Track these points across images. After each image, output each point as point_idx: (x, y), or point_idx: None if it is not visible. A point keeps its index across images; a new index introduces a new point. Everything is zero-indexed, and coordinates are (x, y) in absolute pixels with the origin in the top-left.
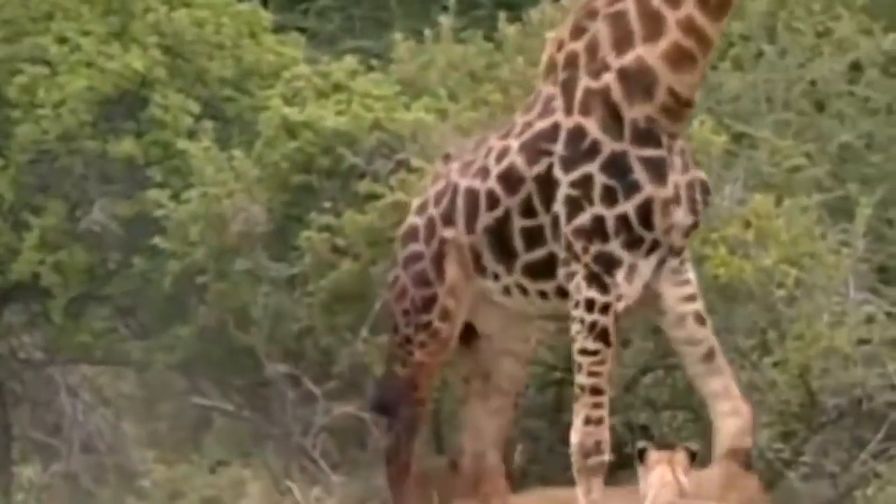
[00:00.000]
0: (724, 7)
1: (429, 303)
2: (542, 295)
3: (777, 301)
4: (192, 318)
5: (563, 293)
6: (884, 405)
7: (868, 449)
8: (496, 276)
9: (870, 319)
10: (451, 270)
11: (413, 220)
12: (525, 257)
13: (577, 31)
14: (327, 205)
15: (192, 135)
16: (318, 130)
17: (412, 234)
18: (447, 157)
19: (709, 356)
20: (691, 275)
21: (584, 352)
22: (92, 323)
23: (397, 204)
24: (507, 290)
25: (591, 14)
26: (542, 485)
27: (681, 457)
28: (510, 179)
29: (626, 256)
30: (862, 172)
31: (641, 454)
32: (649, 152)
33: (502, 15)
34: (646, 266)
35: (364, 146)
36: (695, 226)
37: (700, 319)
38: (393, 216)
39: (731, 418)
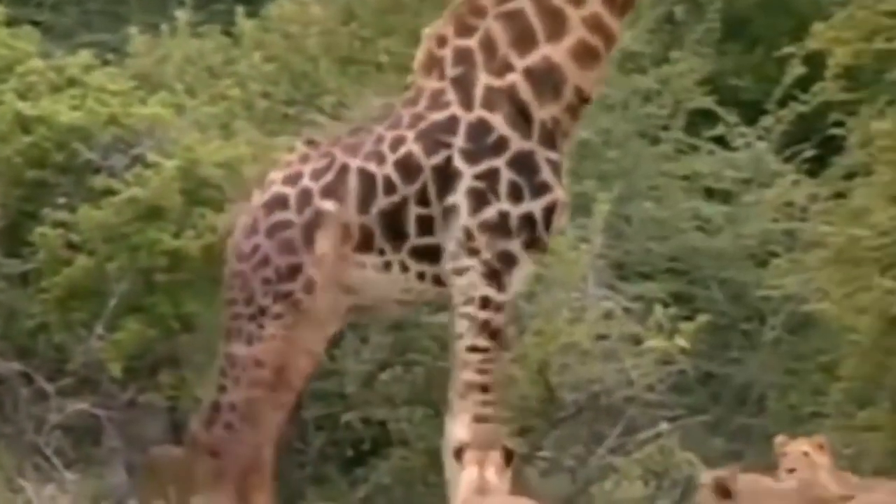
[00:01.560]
0: (630, 3)
1: (293, 271)
2: (420, 276)
3: (517, 297)
4: None
5: (438, 280)
6: (621, 400)
7: (605, 444)
8: (382, 252)
9: (608, 315)
10: (323, 243)
11: (281, 189)
12: (415, 241)
13: (464, 29)
14: (62, 200)
15: None
16: (52, 125)
17: (279, 202)
18: (311, 142)
19: None
20: None
21: (474, 349)
22: None
23: (133, 199)
24: (388, 265)
25: (478, 11)
26: (280, 482)
27: (495, 456)
28: (408, 168)
29: (523, 256)
30: (599, 169)
31: (458, 453)
32: (551, 154)
33: (240, 10)
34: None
35: (99, 141)
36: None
37: None
38: (128, 212)
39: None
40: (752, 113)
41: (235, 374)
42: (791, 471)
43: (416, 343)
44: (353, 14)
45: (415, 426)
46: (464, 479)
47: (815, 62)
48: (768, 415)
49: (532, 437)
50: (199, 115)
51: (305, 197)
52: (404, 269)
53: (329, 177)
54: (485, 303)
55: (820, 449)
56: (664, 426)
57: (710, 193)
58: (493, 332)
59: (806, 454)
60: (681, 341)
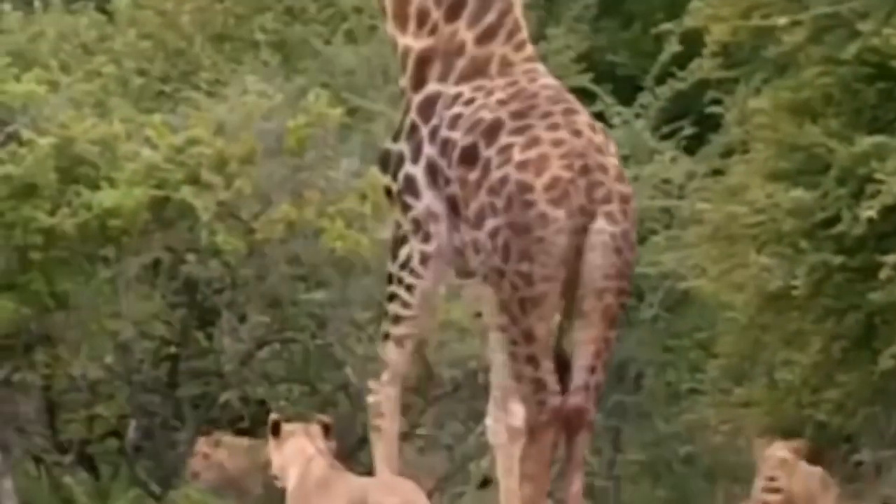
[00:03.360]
0: None
1: None
2: None
3: None
4: None
5: None
6: None
7: (483, 421)
8: None
9: None
10: None
11: None
12: None
13: None
14: None
15: None
16: None
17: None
18: None
19: None
20: None
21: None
22: None
23: (7, 177)
24: None
25: None
26: (155, 461)
27: (315, 429)
28: None
29: None
30: None
31: (275, 427)
32: None
33: None
34: None
35: None
36: None
37: None
38: (3, 189)
39: None
40: (629, 90)
41: (607, 357)
42: (771, 479)
43: (293, 321)
44: None
45: (292, 404)
46: (291, 451)
47: (692, 39)
48: (646, 392)
49: (410, 414)
50: (73, 93)
51: None
52: None
53: None
54: None
55: (797, 453)
56: None
57: None
58: None
59: (785, 461)
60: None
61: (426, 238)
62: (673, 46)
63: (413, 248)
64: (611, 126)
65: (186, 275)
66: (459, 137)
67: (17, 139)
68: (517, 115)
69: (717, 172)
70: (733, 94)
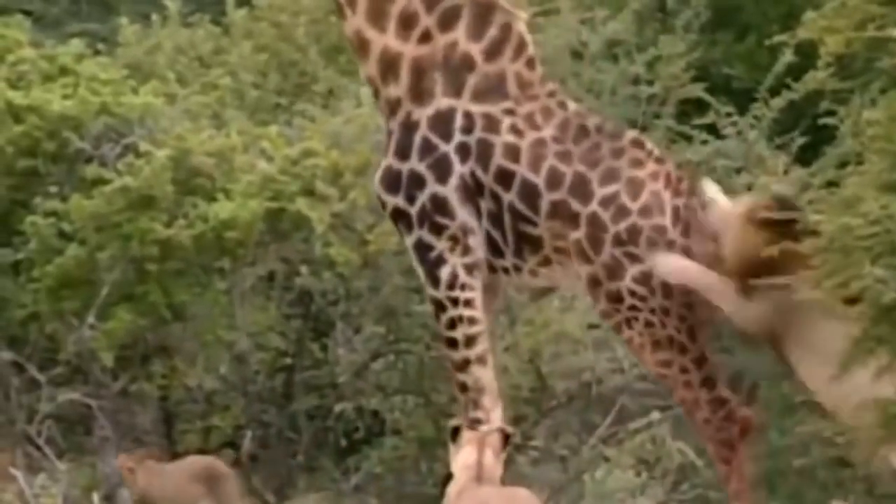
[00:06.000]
0: None
1: None
2: None
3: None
4: None
5: None
6: (613, 389)
7: (597, 433)
8: None
9: None
10: None
11: None
12: None
13: None
14: (53, 190)
15: None
16: (43, 114)
17: None
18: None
19: None
20: None
21: None
22: None
23: (124, 188)
24: None
25: None
26: (271, 471)
27: (493, 438)
28: None
29: None
30: None
31: (455, 433)
32: None
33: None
34: None
35: (91, 130)
36: None
37: None
38: (120, 201)
39: None
40: (744, 102)
41: None
42: None
43: (408, 332)
44: None
45: (407, 415)
46: (461, 460)
47: (807, 51)
48: (760, 404)
49: (523, 426)
50: (190, 105)
51: None
52: None
53: None
54: None
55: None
56: (656, 415)
57: None
58: None
59: None
60: None
61: (466, 250)
62: (787, 57)
63: (455, 264)
64: (723, 136)
65: (301, 286)
66: (542, 188)
67: (135, 151)
68: (591, 162)
69: (832, 184)
70: (848, 105)
